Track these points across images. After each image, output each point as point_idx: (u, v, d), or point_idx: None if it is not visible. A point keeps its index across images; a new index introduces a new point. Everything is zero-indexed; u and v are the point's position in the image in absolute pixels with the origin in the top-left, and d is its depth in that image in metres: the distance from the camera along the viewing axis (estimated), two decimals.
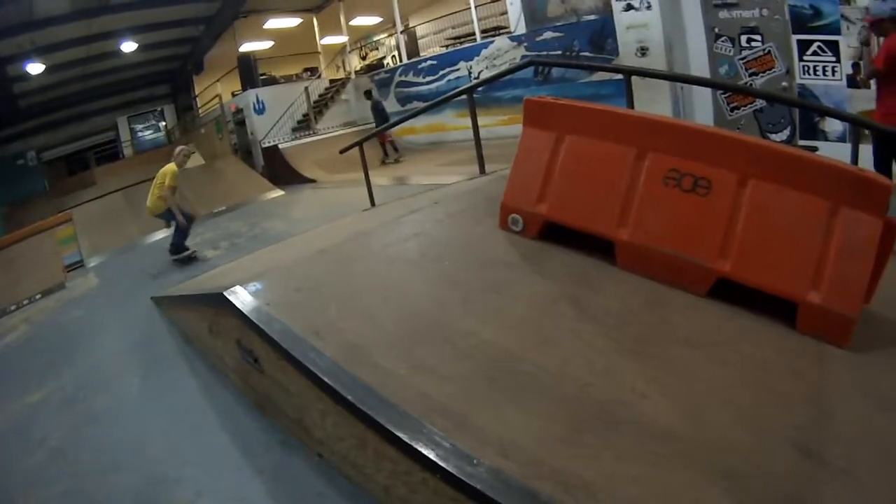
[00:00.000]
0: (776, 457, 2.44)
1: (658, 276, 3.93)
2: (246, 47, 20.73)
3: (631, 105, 6.28)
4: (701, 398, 2.80)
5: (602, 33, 12.37)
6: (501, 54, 14.81)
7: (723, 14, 11.07)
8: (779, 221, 3.66)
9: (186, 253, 9.44)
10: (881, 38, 7.12)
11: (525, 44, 14.18)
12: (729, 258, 3.72)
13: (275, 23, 20.69)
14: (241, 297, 3.90)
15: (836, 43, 10.05)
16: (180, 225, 9.21)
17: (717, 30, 11.11)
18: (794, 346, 3.35)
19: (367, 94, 18.14)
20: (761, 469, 2.36)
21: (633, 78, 6.21)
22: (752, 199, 3.73)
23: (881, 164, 6.45)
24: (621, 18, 11.22)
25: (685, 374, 3.00)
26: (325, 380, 2.92)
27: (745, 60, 11.01)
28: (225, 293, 3.98)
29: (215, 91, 22.60)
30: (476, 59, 15.72)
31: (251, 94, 18.60)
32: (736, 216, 3.75)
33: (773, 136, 10.75)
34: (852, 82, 10.12)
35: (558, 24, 13.57)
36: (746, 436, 2.54)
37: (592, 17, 12.89)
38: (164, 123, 27.64)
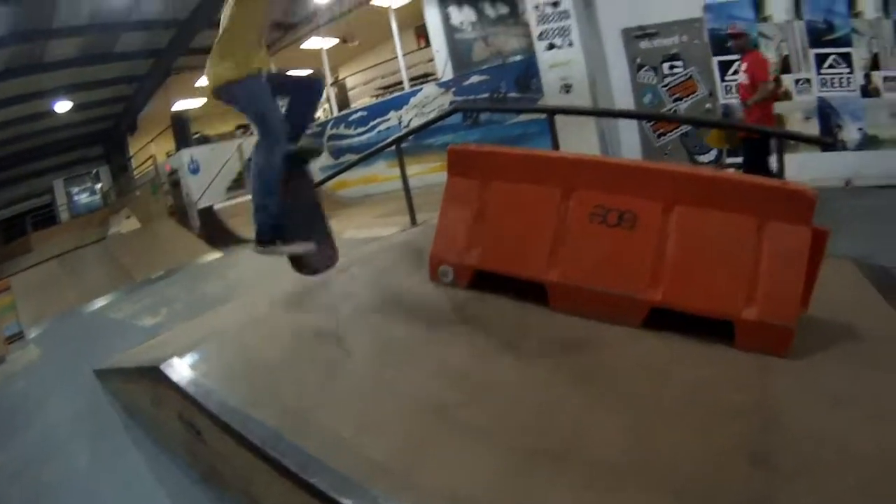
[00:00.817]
0: (730, 469, 2.48)
1: (592, 313, 3.96)
2: (179, 105, 20.63)
3: (556, 143, 6.44)
4: (647, 424, 2.84)
5: (527, 73, 12.58)
6: (430, 101, 14.82)
7: (644, 44, 11.39)
8: (707, 245, 3.75)
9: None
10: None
11: (453, 89, 14.26)
12: (660, 287, 3.79)
13: (207, 80, 20.60)
14: (179, 370, 3.85)
15: None
16: (271, 131, 4.35)
17: (638, 60, 11.45)
18: (736, 362, 3.41)
19: None
20: (716, 483, 2.40)
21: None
22: (678, 226, 3.82)
23: (763, 168, 6.79)
24: (544, 57, 11.37)
25: (629, 403, 3.05)
26: (265, 450, 2.89)
27: (668, 87, 11.32)
28: (161, 367, 3.93)
29: (150, 152, 22.36)
30: (405, 107, 15.62)
31: (185, 153, 18.32)
32: (664, 245, 3.84)
33: (700, 158, 11.06)
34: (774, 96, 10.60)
35: (484, 67, 13.83)
36: (697, 453, 2.59)
37: (517, 57, 13.16)
38: (100, 185, 27.24)
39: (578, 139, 9.31)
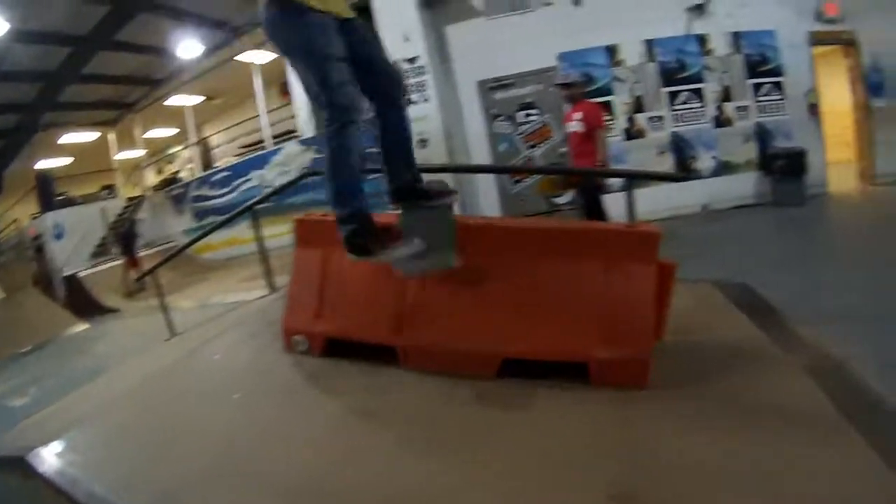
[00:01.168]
0: None
1: (445, 370, 3.95)
2: (43, 164, 19.95)
3: None
4: (511, 476, 2.85)
5: None
6: (291, 160, 14.61)
7: (499, 95, 12.02)
8: (556, 292, 3.81)
9: None
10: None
11: (315, 146, 13.89)
12: (510, 338, 3.80)
13: (72, 137, 19.95)
14: (45, 459, 3.74)
15: (609, 102, 11.42)
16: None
17: (494, 110, 12.01)
18: (595, 401, 3.44)
19: (131, 224, 17.85)
20: None
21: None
22: (524, 278, 3.86)
23: (599, 209, 7.26)
24: None
25: (491, 458, 3.04)
26: None
27: (523, 135, 11.95)
28: (27, 458, 3.79)
29: (15, 214, 21.43)
30: (267, 167, 15.49)
31: (49, 216, 17.64)
32: (512, 297, 3.87)
33: (557, 200, 11.64)
34: (629, 135, 11.53)
35: None
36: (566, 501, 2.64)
37: None
38: None
39: None
